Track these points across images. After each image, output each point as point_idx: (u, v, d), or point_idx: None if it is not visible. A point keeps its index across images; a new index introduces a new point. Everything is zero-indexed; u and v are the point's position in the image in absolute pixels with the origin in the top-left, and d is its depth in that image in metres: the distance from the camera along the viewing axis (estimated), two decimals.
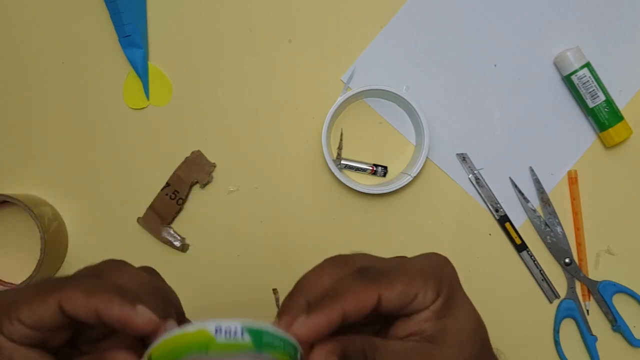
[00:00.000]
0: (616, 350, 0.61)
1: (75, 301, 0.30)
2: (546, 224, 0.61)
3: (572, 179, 0.61)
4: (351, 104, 0.62)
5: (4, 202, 0.59)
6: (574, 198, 0.61)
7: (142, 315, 0.29)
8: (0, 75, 0.62)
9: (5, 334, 0.30)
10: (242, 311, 0.61)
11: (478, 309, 0.64)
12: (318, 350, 0.29)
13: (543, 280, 0.61)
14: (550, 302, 0.62)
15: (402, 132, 0.62)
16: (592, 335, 0.61)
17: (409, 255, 0.36)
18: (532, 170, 0.62)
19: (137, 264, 0.61)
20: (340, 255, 0.35)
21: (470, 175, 0.62)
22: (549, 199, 0.61)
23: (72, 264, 0.62)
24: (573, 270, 0.61)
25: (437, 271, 0.33)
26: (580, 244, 0.61)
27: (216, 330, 0.27)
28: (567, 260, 0.61)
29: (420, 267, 0.33)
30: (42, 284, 0.31)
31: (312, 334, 0.29)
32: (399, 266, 0.33)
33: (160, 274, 0.41)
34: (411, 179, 0.59)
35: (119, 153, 0.62)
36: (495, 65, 0.62)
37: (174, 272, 0.62)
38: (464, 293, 0.35)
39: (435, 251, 0.34)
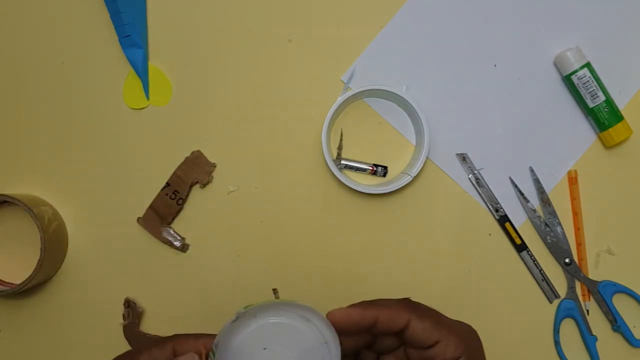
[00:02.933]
0: (616, 350, 0.62)
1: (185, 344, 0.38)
2: (546, 224, 0.61)
3: (572, 179, 0.61)
4: (351, 104, 0.62)
5: (4, 202, 0.59)
6: (574, 198, 0.61)
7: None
8: (0, 75, 0.62)
9: None
10: None
11: (478, 309, 0.64)
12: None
13: (543, 280, 0.61)
14: (550, 302, 0.62)
15: (402, 132, 0.62)
16: (592, 335, 0.61)
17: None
18: (532, 170, 0.62)
19: (137, 264, 0.62)
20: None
21: (470, 175, 0.62)
22: (549, 199, 0.61)
23: (72, 264, 0.62)
24: (573, 270, 0.61)
25: (465, 334, 0.37)
26: (580, 244, 0.61)
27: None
28: (567, 260, 0.61)
29: (451, 323, 0.37)
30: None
31: (344, 319, 0.35)
32: (434, 311, 0.38)
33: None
34: (411, 179, 0.59)
35: (119, 153, 0.62)
36: (495, 65, 0.62)
37: (174, 272, 0.62)
38: None
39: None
